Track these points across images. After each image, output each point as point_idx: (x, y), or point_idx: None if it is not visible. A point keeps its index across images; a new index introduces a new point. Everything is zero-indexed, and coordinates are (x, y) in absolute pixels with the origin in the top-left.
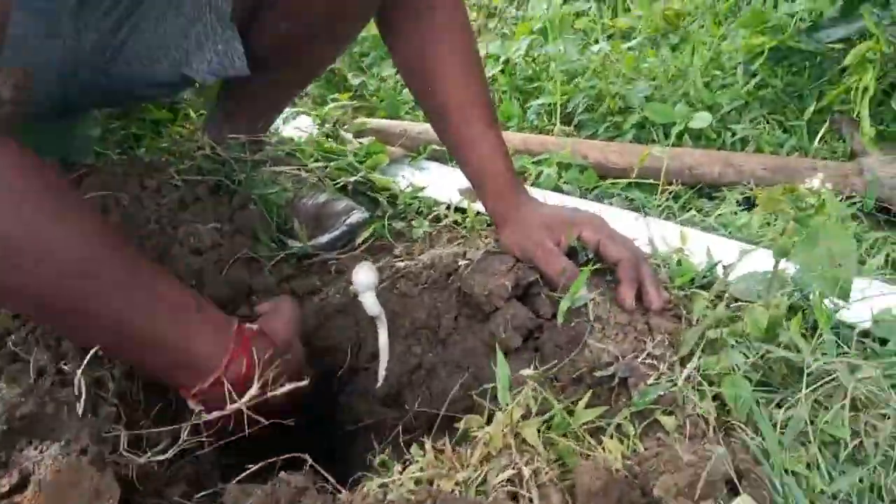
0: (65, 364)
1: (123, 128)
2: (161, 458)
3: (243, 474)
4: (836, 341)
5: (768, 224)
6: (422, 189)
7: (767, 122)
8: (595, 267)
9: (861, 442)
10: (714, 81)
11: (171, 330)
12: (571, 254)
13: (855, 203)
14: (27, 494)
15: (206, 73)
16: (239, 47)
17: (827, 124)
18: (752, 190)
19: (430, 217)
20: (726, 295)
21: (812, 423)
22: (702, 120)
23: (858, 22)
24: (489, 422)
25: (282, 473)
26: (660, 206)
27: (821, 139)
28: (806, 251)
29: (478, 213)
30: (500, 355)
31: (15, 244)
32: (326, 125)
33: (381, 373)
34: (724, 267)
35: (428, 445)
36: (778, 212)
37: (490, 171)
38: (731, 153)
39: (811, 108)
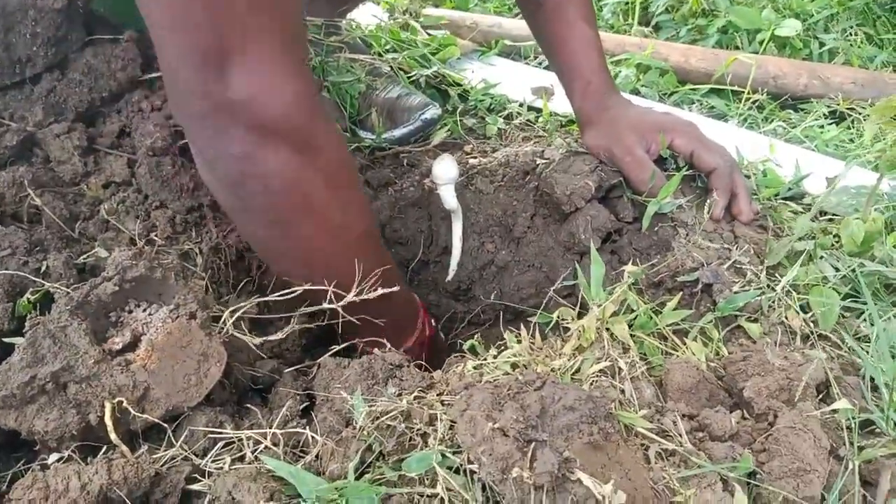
0: (156, 236)
1: None
2: (274, 338)
3: (330, 352)
4: None
5: (853, 140)
6: (494, 86)
7: (856, 35)
8: (687, 172)
9: None
10: None
11: (386, 311)
12: (659, 160)
13: None
14: (139, 353)
15: None
16: None
17: None
18: (839, 104)
19: (502, 115)
20: (816, 205)
21: None
22: (790, 27)
23: None
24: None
25: (376, 350)
26: (742, 114)
27: None
28: None
29: (552, 113)
30: (593, 251)
31: (327, 218)
32: (397, 14)
33: (453, 266)
34: (828, 179)
35: (523, 333)
36: (890, 124)
37: (582, 67)
38: (818, 64)
39: None
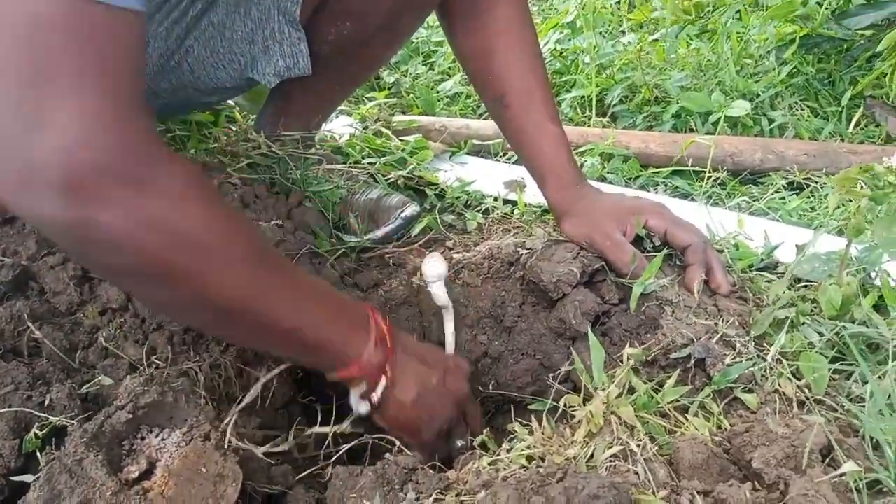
0: (156, 358)
1: (168, 130)
2: (278, 450)
3: (337, 454)
4: None
5: (814, 209)
6: (469, 183)
7: (802, 109)
8: (665, 252)
9: None
10: (745, 70)
11: (322, 328)
12: (636, 241)
13: None
14: (156, 480)
15: (272, 76)
16: (305, 48)
17: (861, 109)
18: (795, 175)
19: (479, 210)
20: (790, 273)
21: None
22: (740, 108)
23: (886, 9)
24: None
25: (387, 455)
26: (706, 192)
27: (856, 125)
28: (885, 228)
29: (527, 204)
30: (591, 336)
31: (205, 250)
32: (369, 123)
33: None
34: (797, 247)
35: (535, 424)
36: (851, 193)
37: (552, 163)
38: (771, 140)
39: (848, 94)
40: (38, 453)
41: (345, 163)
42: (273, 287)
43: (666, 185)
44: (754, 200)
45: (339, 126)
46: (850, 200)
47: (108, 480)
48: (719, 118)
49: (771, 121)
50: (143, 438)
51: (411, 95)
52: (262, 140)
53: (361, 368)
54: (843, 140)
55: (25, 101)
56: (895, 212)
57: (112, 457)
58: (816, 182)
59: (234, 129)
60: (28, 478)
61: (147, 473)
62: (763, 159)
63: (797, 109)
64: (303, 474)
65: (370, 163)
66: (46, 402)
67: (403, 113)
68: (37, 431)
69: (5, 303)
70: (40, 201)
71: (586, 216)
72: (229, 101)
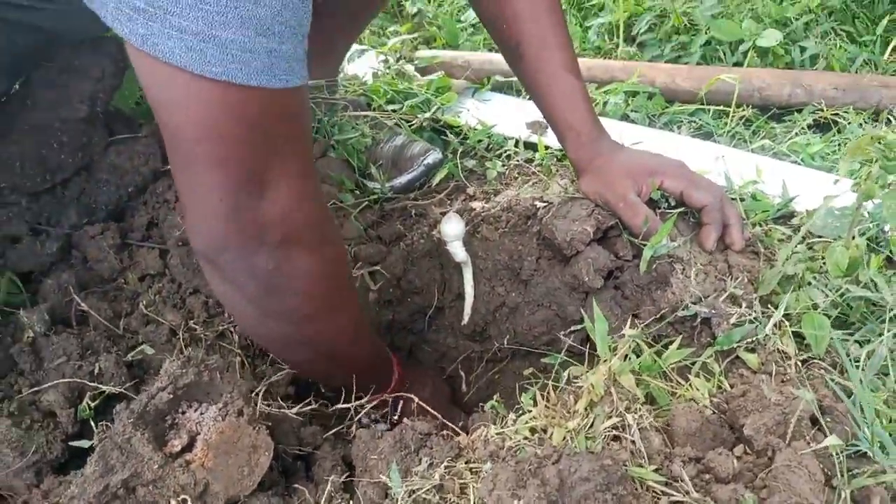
0: (193, 323)
1: None
2: (307, 409)
3: (359, 401)
4: None
5: (835, 152)
6: (491, 127)
7: (837, 35)
8: (679, 211)
9: None
10: None
11: (377, 376)
12: (652, 200)
13: None
14: (197, 452)
15: None
16: None
17: None
18: (823, 110)
19: (500, 155)
20: (803, 230)
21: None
22: (770, 37)
23: None
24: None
25: (405, 420)
26: (730, 132)
27: (892, 50)
28: (894, 199)
29: (547, 147)
30: (595, 308)
31: (349, 298)
32: (390, 60)
33: (467, 311)
34: (808, 212)
35: (538, 396)
36: (865, 157)
37: (570, 119)
38: (800, 72)
39: (885, 20)
40: (90, 421)
41: (369, 106)
42: (363, 334)
43: (690, 124)
44: (777, 142)
45: (362, 65)
46: (861, 165)
47: (154, 455)
48: (749, 48)
49: (803, 49)
50: (183, 413)
51: (434, 27)
52: None
53: (391, 390)
54: (876, 69)
55: (254, 176)
56: None
57: (156, 431)
58: (844, 119)
59: None
60: (84, 442)
61: (188, 446)
62: (791, 94)
63: (831, 37)
64: (328, 433)
65: (394, 110)
66: (96, 370)
67: (427, 44)
68: (89, 402)
69: (51, 273)
70: (249, 254)
71: (602, 174)
72: None
